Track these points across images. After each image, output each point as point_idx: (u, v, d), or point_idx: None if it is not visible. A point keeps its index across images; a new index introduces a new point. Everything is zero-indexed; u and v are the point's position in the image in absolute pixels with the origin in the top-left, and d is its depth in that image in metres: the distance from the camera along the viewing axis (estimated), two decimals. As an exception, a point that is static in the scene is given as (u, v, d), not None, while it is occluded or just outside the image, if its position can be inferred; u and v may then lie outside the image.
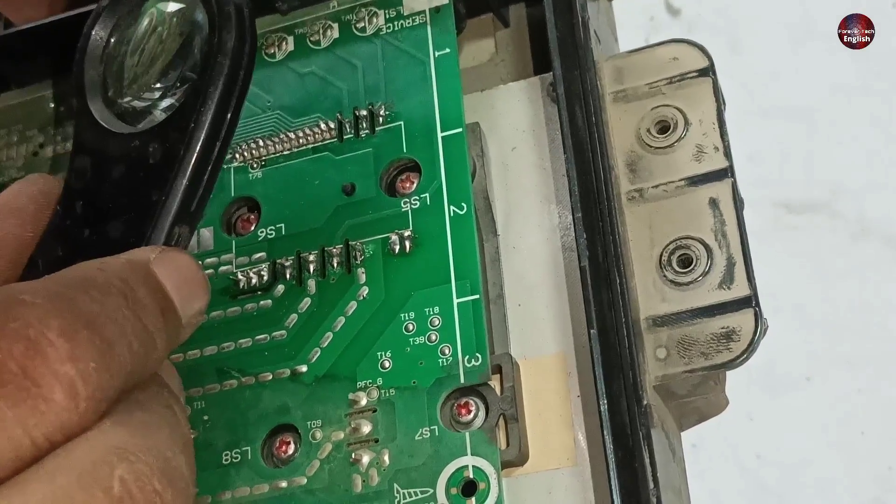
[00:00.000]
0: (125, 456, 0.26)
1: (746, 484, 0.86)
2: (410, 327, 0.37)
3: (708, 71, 0.37)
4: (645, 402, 0.32)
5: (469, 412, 0.36)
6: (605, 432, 0.32)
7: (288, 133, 0.41)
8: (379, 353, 0.37)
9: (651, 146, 0.37)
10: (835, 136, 0.94)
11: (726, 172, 0.36)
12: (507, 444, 0.35)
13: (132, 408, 0.27)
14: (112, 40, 0.35)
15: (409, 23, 0.42)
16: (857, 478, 0.86)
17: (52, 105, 0.45)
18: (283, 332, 0.38)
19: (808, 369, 0.87)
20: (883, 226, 0.92)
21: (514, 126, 0.41)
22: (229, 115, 0.32)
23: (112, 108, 0.34)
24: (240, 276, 0.40)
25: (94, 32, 0.35)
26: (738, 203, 0.35)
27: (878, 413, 0.87)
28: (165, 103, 0.33)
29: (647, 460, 0.32)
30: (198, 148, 0.32)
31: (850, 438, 0.86)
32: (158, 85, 0.34)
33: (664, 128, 0.37)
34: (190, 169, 0.32)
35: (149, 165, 0.32)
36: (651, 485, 0.31)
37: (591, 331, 0.33)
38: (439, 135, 0.39)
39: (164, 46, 0.34)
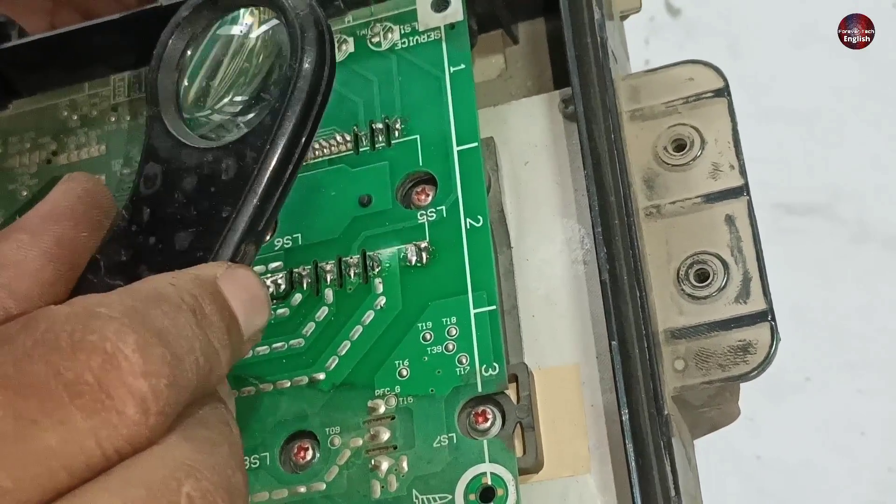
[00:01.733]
0: (192, 472, 0.27)
1: (746, 485, 0.86)
2: (428, 337, 0.38)
3: (723, 91, 0.38)
4: (665, 412, 0.33)
5: (486, 420, 0.37)
6: (626, 441, 0.33)
7: (304, 145, 0.42)
8: (396, 362, 0.38)
9: (668, 163, 0.38)
10: (835, 138, 0.94)
11: (742, 190, 0.37)
12: (524, 452, 0.36)
13: (195, 424, 0.28)
14: (189, 52, 0.35)
15: (424, 38, 0.42)
16: (857, 479, 0.86)
17: (66, 113, 0.46)
18: (301, 340, 0.39)
19: (807, 371, 0.87)
20: (883, 228, 0.92)
21: (526, 141, 0.42)
22: (304, 139, 0.33)
23: (185, 119, 0.35)
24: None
25: (170, 41, 0.35)
26: (753, 220, 0.36)
27: (879, 414, 0.87)
28: (241, 120, 0.34)
29: (668, 468, 0.33)
30: (271, 168, 0.32)
31: (851, 440, 0.87)
32: (237, 100, 0.34)
33: (680, 146, 0.38)
34: (262, 189, 0.32)
35: (221, 181, 0.33)
36: (673, 492, 0.32)
37: (613, 342, 0.34)
38: (455, 149, 0.40)
39: (244, 65, 0.35)
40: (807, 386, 0.88)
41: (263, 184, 0.32)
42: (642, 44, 0.92)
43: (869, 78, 0.95)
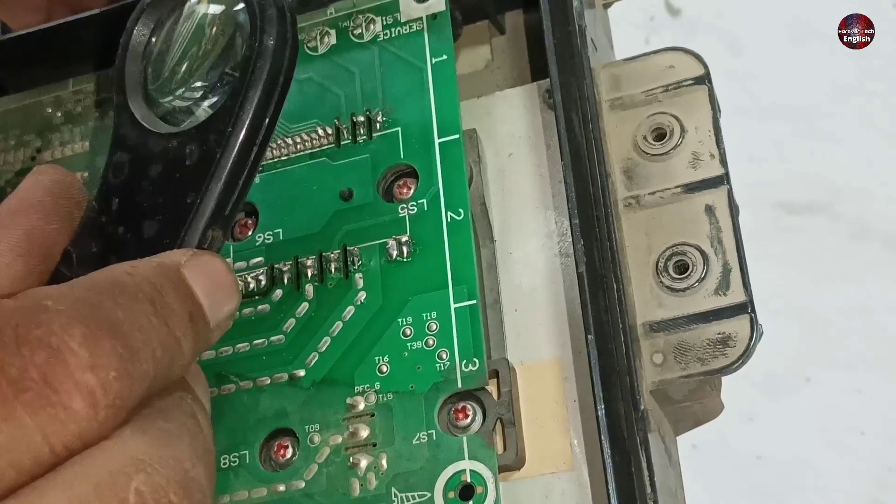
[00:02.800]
0: (143, 467, 0.26)
1: (746, 485, 0.86)
2: (408, 332, 0.37)
3: (704, 79, 0.37)
4: (642, 407, 0.33)
5: (466, 416, 0.36)
6: (602, 437, 0.33)
7: (285, 138, 0.41)
8: (377, 358, 0.37)
9: (647, 153, 0.37)
10: (834, 137, 0.94)
11: (722, 180, 0.36)
12: (505, 449, 0.36)
13: (154, 415, 0.28)
14: (154, 38, 0.35)
15: (406, 29, 0.42)
16: (856, 479, 0.86)
17: (50, 110, 0.46)
18: (282, 336, 0.39)
19: (807, 370, 0.87)
20: (883, 227, 0.92)
21: (510, 132, 0.41)
22: (268, 119, 0.32)
23: (151, 106, 0.34)
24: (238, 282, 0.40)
25: (136, 29, 0.35)
26: (733, 210, 0.35)
27: (878, 414, 0.87)
28: (205, 104, 0.33)
29: (644, 464, 0.32)
30: (235, 151, 0.32)
31: (850, 439, 0.86)
32: (199, 84, 0.34)
33: (660, 135, 0.37)
34: (226, 172, 0.32)
35: (185, 166, 0.32)
36: (649, 489, 0.32)
37: (589, 336, 0.34)
38: (436, 141, 0.40)
39: (206, 47, 0.34)
40: (806, 386, 0.87)
41: (227, 168, 0.32)
42: (642, 43, 0.91)
43: (868, 77, 0.95)
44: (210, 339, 0.31)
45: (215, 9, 0.34)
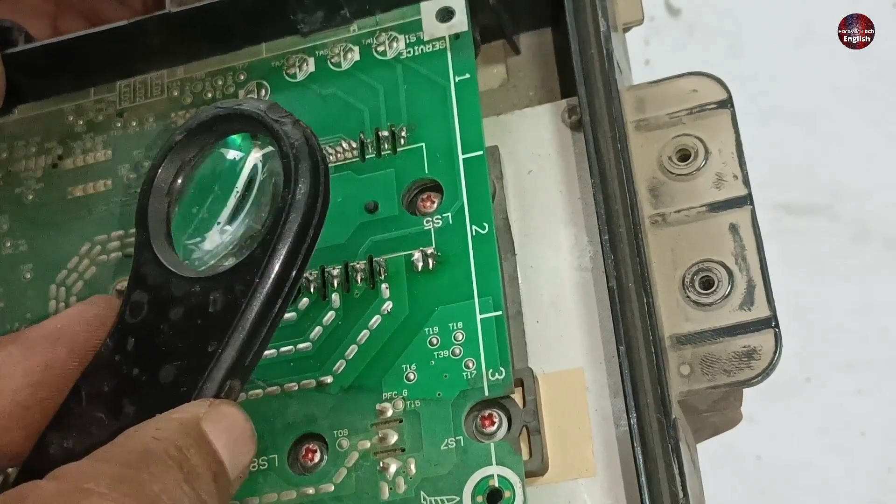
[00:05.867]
0: None
1: (746, 486, 0.86)
2: (434, 341, 0.39)
3: (727, 103, 0.39)
4: (673, 416, 0.34)
5: (493, 424, 0.37)
6: (634, 445, 0.34)
7: (310, 151, 0.42)
8: (404, 366, 0.39)
9: (672, 173, 0.39)
10: (835, 138, 0.94)
11: (745, 200, 0.38)
12: (530, 455, 0.37)
13: None
14: (179, 178, 0.35)
15: (429, 48, 0.43)
16: (856, 479, 0.87)
17: (72, 118, 0.46)
18: (309, 344, 0.40)
19: (807, 371, 0.87)
20: (883, 228, 0.92)
21: (530, 150, 0.42)
22: (295, 272, 0.32)
23: (174, 246, 0.34)
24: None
25: (162, 166, 0.35)
26: (756, 229, 0.37)
27: (878, 415, 0.88)
28: (232, 250, 0.33)
29: (676, 471, 0.33)
30: (260, 302, 0.32)
31: (850, 440, 0.87)
32: (227, 229, 0.34)
33: (685, 156, 0.39)
34: (250, 324, 0.32)
35: (208, 313, 0.32)
36: (681, 494, 0.33)
37: (620, 347, 0.35)
38: (460, 157, 0.41)
39: (237, 193, 0.34)
40: (807, 386, 0.88)
41: (251, 319, 0.32)
42: (642, 44, 0.92)
43: (869, 78, 0.95)
44: (231, 493, 0.32)
45: (248, 156, 0.34)
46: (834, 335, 0.89)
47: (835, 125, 0.95)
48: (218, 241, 0.34)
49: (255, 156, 0.35)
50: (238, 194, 0.35)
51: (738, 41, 0.98)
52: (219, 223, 0.34)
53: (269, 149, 0.34)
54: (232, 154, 0.35)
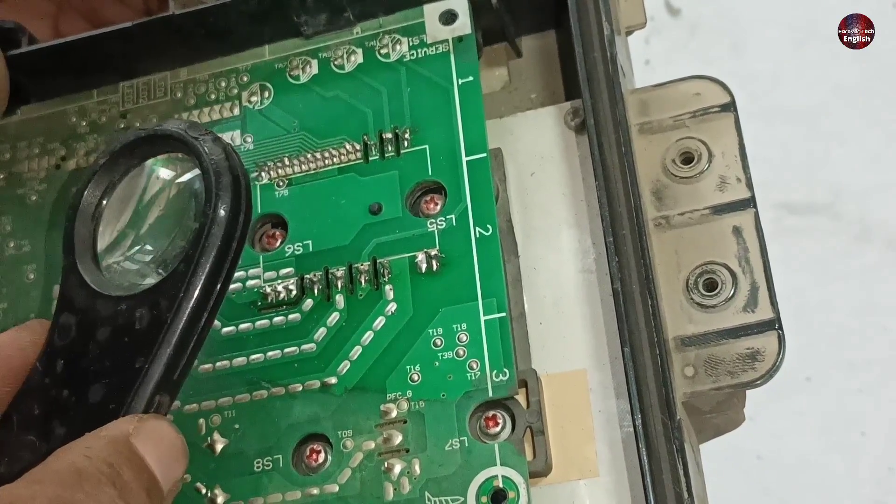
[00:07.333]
0: None
1: (747, 485, 0.86)
2: (438, 342, 0.39)
3: (730, 106, 0.39)
4: (678, 417, 0.34)
5: (497, 424, 0.38)
6: (640, 446, 0.34)
7: (314, 153, 0.43)
8: (408, 367, 0.39)
9: (676, 176, 0.39)
10: (837, 137, 0.94)
11: (749, 203, 0.38)
12: (534, 456, 0.37)
13: None
14: (105, 200, 0.35)
15: (432, 51, 0.43)
16: (857, 478, 0.87)
17: (74, 119, 0.46)
18: (313, 345, 0.40)
19: (808, 370, 0.87)
20: (885, 228, 0.92)
21: (532, 152, 0.43)
22: (219, 286, 0.32)
23: (100, 267, 0.34)
24: (268, 290, 0.41)
25: (87, 191, 0.35)
26: (760, 231, 0.37)
27: (879, 414, 0.88)
28: (156, 268, 0.34)
29: (681, 472, 0.34)
30: (185, 317, 0.32)
31: (851, 439, 0.87)
32: (149, 248, 0.34)
33: (688, 159, 0.39)
34: (176, 338, 0.32)
35: (135, 331, 0.32)
36: (686, 495, 0.33)
37: (625, 349, 0.35)
38: (464, 159, 0.41)
39: (159, 211, 0.34)
40: (807, 385, 0.87)
41: (177, 333, 0.32)
42: (642, 43, 0.92)
43: (871, 77, 0.95)
44: None
45: (169, 174, 0.35)
46: (834, 334, 0.89)
47: (836, 125, 0.95)
48: (142, 258, 0.34)
49: (179, 175, 0.35)
50: (162, 214, 0.35)
51: (739, 41, 0.97)
52: (143, 242, 0.34)
53: (191, 165, 0.34)
54: (155, 174, 0.35)
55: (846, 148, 0.94)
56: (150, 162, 0.35)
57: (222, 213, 0.32)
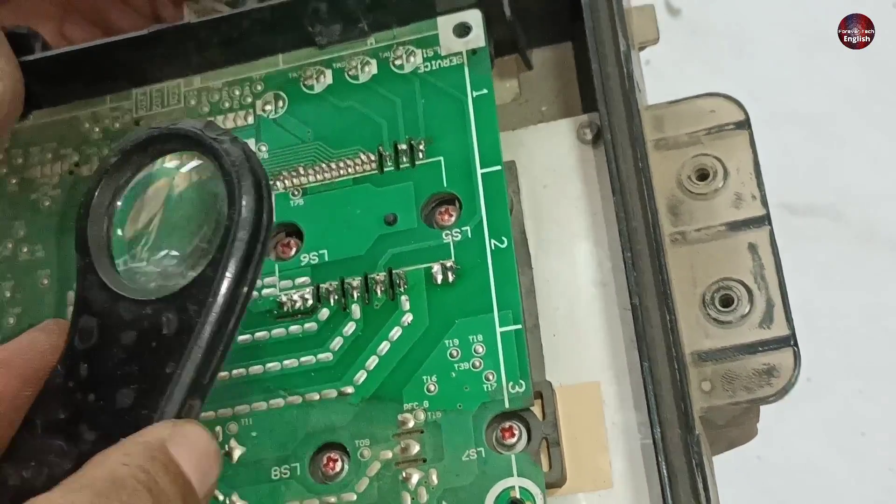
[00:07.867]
0: None
1: (748, 486, 0.87)
2: (454, 353, 0.39)
3: (745, 124, 0.40)
4: (697, 432, 0.35)
5: (513, 435, 0.38)
6: (659, 460, 0.35)
7: (329, 163, 0.43)
8: (424, 378, 0.39)
9: (691, 192, 0.40)
10: (841, 141, 0.94)
11: (764, 220, 0.39)
12: (550, 467, 0.38)
13: None
14: (117, 199, 0.35)
15: (446, 63, 0.44)
16: (858, 480, 0.87)
17: (87, 125, 0.47)
18: (329, 354, 0.40)
19: (809, 371, 0.88)
20: (888, 230, 0.92)
21: (545, 165, 0.43)
22: (246, 288, 0.32)
23: (118, 269, 0.34)
24: (283, 299, 0.41)
25: (98, 190, 0.34)
26: (775, 249, 0.38)
27: (880, 415, 0.88)
28: (179, 271, 0.33)
29: (700, 486, 0.34)
30: (215, 321, 0.32)
31: (852, 441, 0.87)
32: (174, 253, 0.34)
33: (703, 175, 0.40)
34: (206, 343, 0.32)
35: (162, 335, 0.32)
36: (706, 508, 0.34)
37: (644, 363, 0.36)
38: (479, 171, 0.42)
39: (178, 213, 0.34)
40: (808, 387, 0.87)
41: (207, 338, 0.32)
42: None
43: (874, 80, 0.95)
44: None
45: (187, 175, 0.34)
46: (835, 336, 0.89)
47: (841, 129, 0.95)
48: (163, 262, 0.34)
49: (194, 174, 0.34)
50: (181, 215, 0.34)
51: (739, 41, 0.97)
52: (163, 244, 0.34)
53: (208, 167, 0.34)
54: (171, 174, 0.35)
55: (850, 150, 0.94)
56: (165, 163, 0.35)
57: (246, 214, 0.32)
